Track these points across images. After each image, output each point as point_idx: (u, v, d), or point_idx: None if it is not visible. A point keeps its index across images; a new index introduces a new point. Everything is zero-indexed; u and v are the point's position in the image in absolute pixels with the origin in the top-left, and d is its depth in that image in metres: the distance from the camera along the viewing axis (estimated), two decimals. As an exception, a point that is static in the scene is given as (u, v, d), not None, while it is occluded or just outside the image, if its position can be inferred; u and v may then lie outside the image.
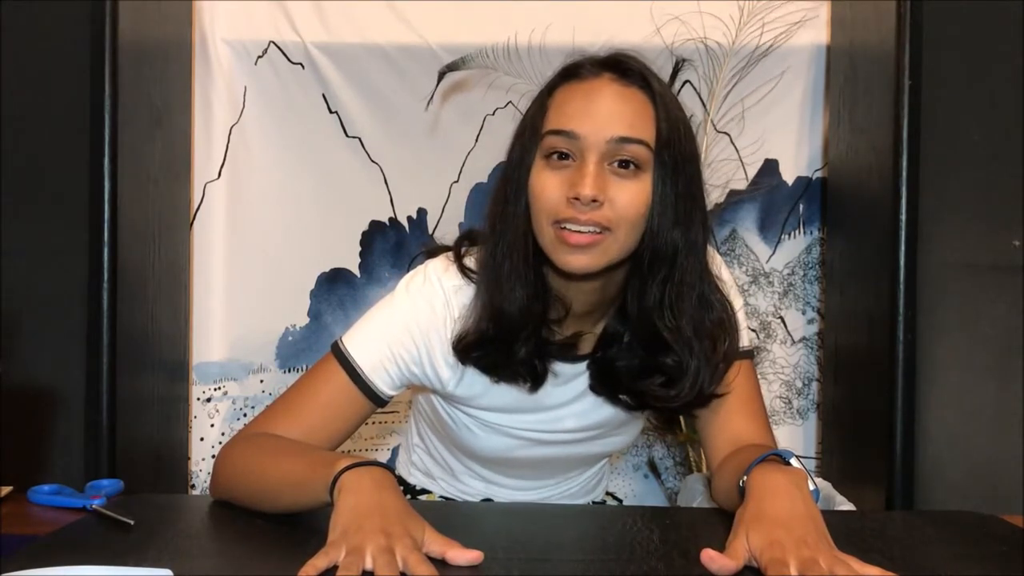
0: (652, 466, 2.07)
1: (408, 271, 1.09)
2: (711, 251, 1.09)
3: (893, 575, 0.78)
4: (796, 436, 2.05)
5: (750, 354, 1.12)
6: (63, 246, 1.46)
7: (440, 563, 0.80)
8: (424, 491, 1.28)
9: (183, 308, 1.84)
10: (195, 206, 1.93)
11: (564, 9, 1.88)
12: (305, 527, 0.91)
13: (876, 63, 1.65)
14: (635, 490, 2.08)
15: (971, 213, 1.55)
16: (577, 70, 1.00)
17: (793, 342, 2.05)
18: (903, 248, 1.53)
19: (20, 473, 1.32)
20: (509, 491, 1.23)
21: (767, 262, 2.04)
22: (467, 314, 1.03)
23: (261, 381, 2.00)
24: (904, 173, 1.53)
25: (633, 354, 1.04)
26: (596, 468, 1.28)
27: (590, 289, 1.02)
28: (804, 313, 2.05)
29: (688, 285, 1.00)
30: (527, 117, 1.02)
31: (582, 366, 1.08)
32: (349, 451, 1.90)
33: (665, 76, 1.03)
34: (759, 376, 1.37)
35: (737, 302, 1.10)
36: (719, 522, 0.94)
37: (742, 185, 2.01)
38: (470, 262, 1.05)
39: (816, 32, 1.97)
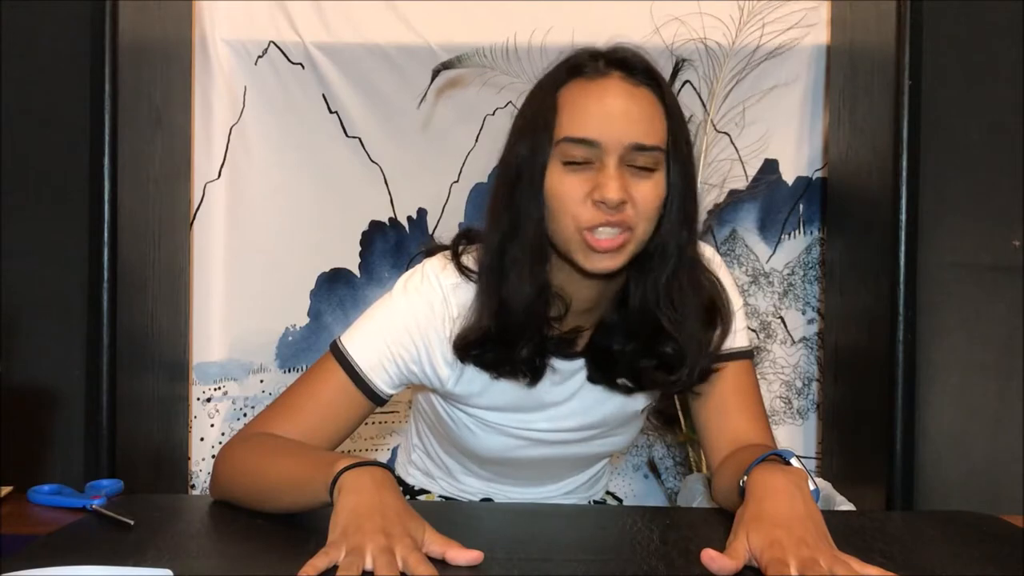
0: (652, 466, 2.07)
1: (407, 271, 1.09)
2: (711, 251, 1.10)
3: (893, 575, 0.78)
4: (796, 436, 2.05)
5: (750, 354, 1.12)
6: (63, 246, 1.46)
7: (440, 563, 0.80)
8: (423, 491, 1.28)
9: (183, 308, 1.84)
10: (195, 206, 1.93)
11: (564, 9, 1.88)
12: (305, 527, 0.91)
13: (876, 63, 1.65)
14: (635, 490, 2.08)
15: (971, 213, 1.55)
16: (582, 67, 0.99)
17: (793, 342, 2.05)
18: (903, 248, 1.53)
19: (20, 473, 1.32)
20: (508, 490, 1.23)
21: (767, 262, 2.04)
22: (468, 313, 1.03)
23: (261, 381, 2.00)
24: (904, 173, 1.53)
25: (629, 338, 1.05)
26: (596, 468, 1.28)
27: (593, 285, 1.03)
28: (804, 313, 2.05)
29: (690, 277, 1.02)
30: (533, 112, 1.00)
31: (580, 363, 1.08)
32: (349, 451, 1.90)
33: (665, 76, 1.03)
34: (759, 376, 1.37)
35: (738, 302, 1.11)
36: (719, 522, 0.94)
37: (742, 185, 2.01)
38: (468, 260, 1.05)
39: (816, 32, 1.97)
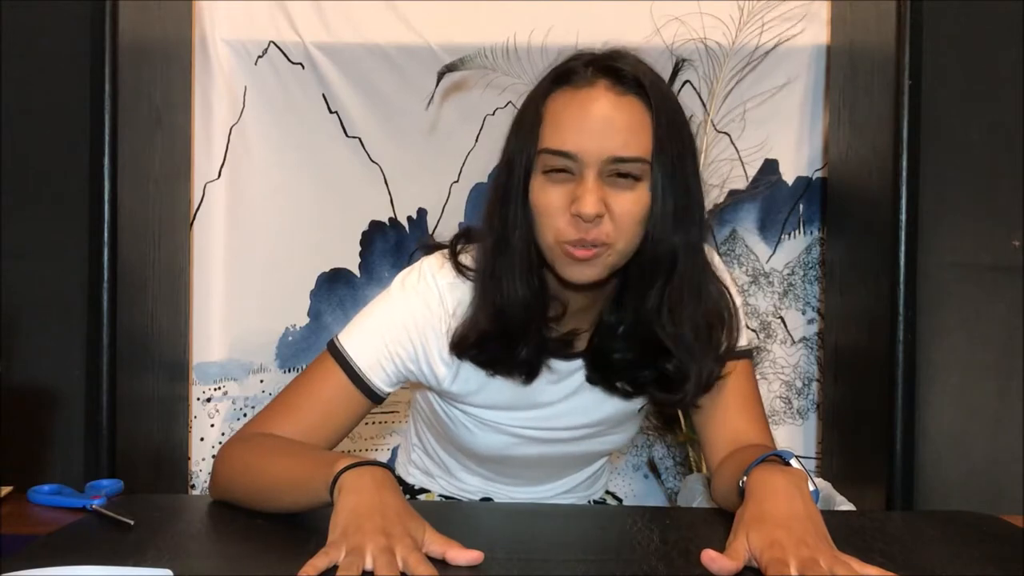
0: (652, 466, 2.07)
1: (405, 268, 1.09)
2: (710, 252, 1.10)
3: (893, 575, 0.78)
4: (796, 436, 2.05)
5: (749, 354, 1.12)
6: (63, 246, 1.46)
7: (440, 563, 0.80)
8: (423, 490, 1.28)
9: (183, 308, 1.84)
10: (195, 206, 1.93)
11: (564, 10, 1.88)
12: (305, 527, 0.91)
13: (876, 63, 1.65)
14: (635, 490, 2.08)
15: (971, 213, 1.55)
16: (571, 75, 0.98)
17: (793, 342, 2.05)
18: (903, 248, 1.53)
19: (20, 473, 1.32)
20: (507, 489, 1.23)
21: (767, 262, 2.04)
22: (465, 312, 1.03)
23: (261, 381, 2.00)
24: (904, 173, 1.53)
25: (629, 347, 1.04)
26: (595, 467, 1.28)
27: (587, 292, 1.03)
28: (804, 313, 2.05)
29: (688, 286, 1.00)
30: (521, 121, 1.01)
31: (578, 363, 1.08)
32: (349, 451, 1.90)
33: (665, 76, 1.03)
34: (759, 376, 1.37)
35: (737, 301, 1.10)
36: (719, 522, 0.94)
37: (742, 185, 2.01)
38: (467, 259, 1.05)
39: (816, 32, 1.97)
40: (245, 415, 1.98)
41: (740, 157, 2.00)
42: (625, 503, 2.04)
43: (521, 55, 1.85)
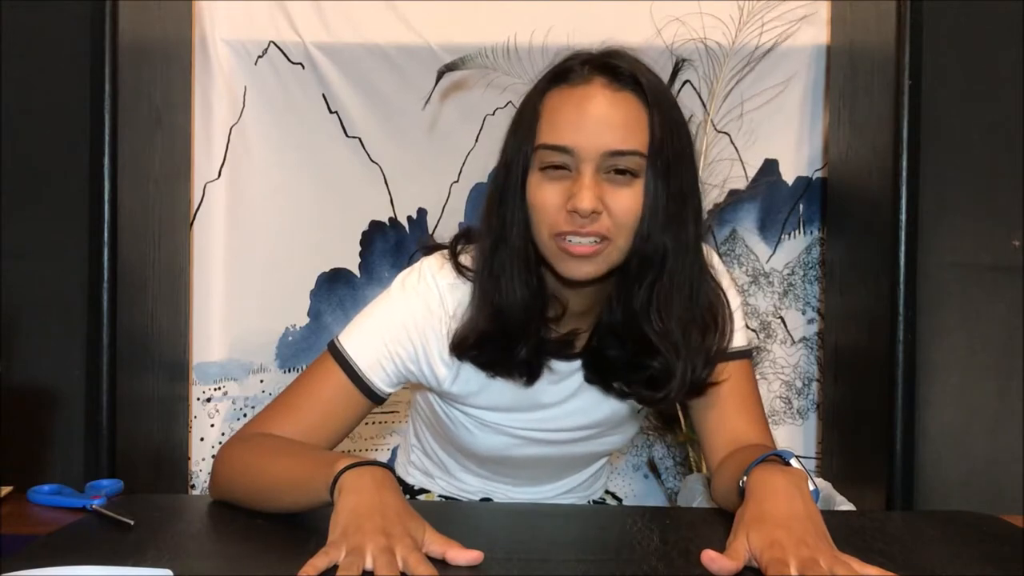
0: (652, 466, 2.07)
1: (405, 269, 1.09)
2: (710, 252, 1.10)
3: (893, 575, 0.78)
4: (796, 436, 2.05)
5: (748, 354, 1.12)
6: (63, 246, 1.46)
7: (440, 563, 0.80)
8: (423, 491, 1.28)
9: (183, 308, 1.84)
10: (195, 206, 1.93)
11: (564, 10, 1.88)
12: (305, 527, 0.91)
13: (876, 63, 1.65)
14: (635, 490, 2.08)
15: (971, 213, 1.55)
16: (567, 73, 0.99)
17: (793, 342, 2.05)
18: (903, 248, 1.53)
19: (20, 473, 1.32)
20: (507, 489, 1.23)
21: (767, 262, 2.04)
22: (465, 313, 1.03)
23: (261, 381, 2.00)
24: (904, 173, 1.53)
25: (622, 345, 1.04)
26: (595, 467, 1.28)
27: (587, 291, 1.03)
28: (804, 313, 2.05)
29: (678, 286, 1.00)
30: (519, 119, 1.01)
31: (577, 363, 1.08)
32: (349, 451, 1.90)
33: (665, 76, 1.03)
34: (759, 376, 1.37)
35: (736, 301, 1.10)
36: (719, 522, 0.94)
37: (742, 185, 2.01)
38: (466, 260, 1.05)
39: (816, 32, 1.97)
40: (245, 415, 1.98)
41: (740, 157, 2.00)
42: (625, 503, 2.04)
43: (521, 55, 1.85)
